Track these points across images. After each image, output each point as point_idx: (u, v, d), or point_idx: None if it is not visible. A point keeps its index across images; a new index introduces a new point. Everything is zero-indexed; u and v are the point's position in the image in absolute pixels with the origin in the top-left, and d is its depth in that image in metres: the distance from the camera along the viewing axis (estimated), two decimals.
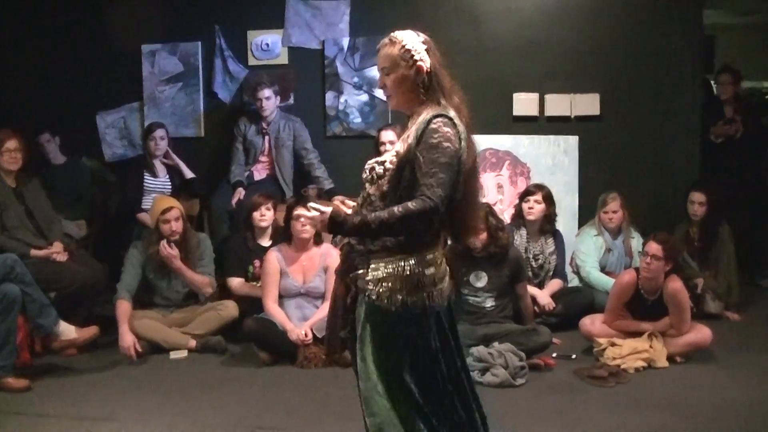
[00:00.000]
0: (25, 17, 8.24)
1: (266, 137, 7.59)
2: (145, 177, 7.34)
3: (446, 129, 2.98)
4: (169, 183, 7.42)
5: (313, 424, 4.74)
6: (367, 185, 3.13)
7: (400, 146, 3.05)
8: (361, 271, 3.10)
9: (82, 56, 8.16)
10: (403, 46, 3.13)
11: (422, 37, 3.18)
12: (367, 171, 3.13)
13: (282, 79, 7.95)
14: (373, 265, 3.06)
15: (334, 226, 3.00)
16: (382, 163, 3.07)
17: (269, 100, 7.48)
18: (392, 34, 3.20)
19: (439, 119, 2.99)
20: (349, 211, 3.15)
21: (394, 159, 3.04)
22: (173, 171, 7.50)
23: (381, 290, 3.02)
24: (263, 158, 7.65)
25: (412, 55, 3.11)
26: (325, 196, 7.43)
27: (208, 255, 6.51)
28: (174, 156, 7.52)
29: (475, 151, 3.16)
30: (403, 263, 3.02)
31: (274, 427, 4.72)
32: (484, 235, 5.79)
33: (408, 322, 3.04)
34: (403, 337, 3.05)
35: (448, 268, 3.21)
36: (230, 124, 7.83)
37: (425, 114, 3.04)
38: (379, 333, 3.06)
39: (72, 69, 8.18)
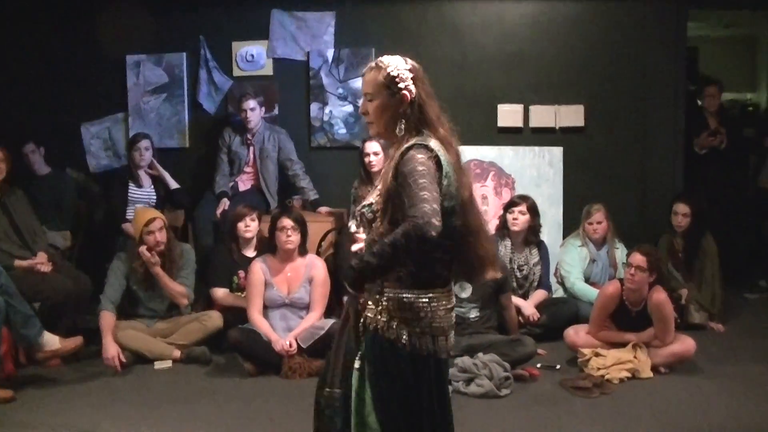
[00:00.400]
0: (9, 28, 8.20)
1: (251, 148, 7.58)
2: (129, 187, 7.31)
3: (419, 155, 2.80)
4: (154, 193, 7.39)
5: None
6: (363, 229, 2.99)
7: (381, 186, 2.91)
8: (373, 298, 2.93)
9: (67, 67, 8.14)
10: (389, 73, 2.95)
11: (410, 64, 3.01)
12: (358, 219, 2.99)
13: (267, 90, 7.96)
14: (385, 297, 2.90)
15: (348, 283, 2.86)
16: (370, 205, 2.94)
17: (254, 111, 7.47)
18: (379, 58, 3.03)
19: (412, 150, 2.83)
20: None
21: (380, 199, 2.90)
22: (158, 181, 7.47)
23: (389, 323, 2.88)
24: (248, 169, 7.64)
25: (397, 83, 2.94)
26: (310, 207, 7.45)
27: (189, 266, 6.47)
28: (159, 166, 7.49)
29: (471, 183, 3.04)
30: (413, 299, 2.88)
31: None
32: None
33: (409, 361, 2.90)
34: (401, 375, 2.90)
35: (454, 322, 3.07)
36: (215, 135, 7.82)
37: (403, 147, 2.88)
38: (379, 367, 2.92)
39: (56, 80, 8.15)
